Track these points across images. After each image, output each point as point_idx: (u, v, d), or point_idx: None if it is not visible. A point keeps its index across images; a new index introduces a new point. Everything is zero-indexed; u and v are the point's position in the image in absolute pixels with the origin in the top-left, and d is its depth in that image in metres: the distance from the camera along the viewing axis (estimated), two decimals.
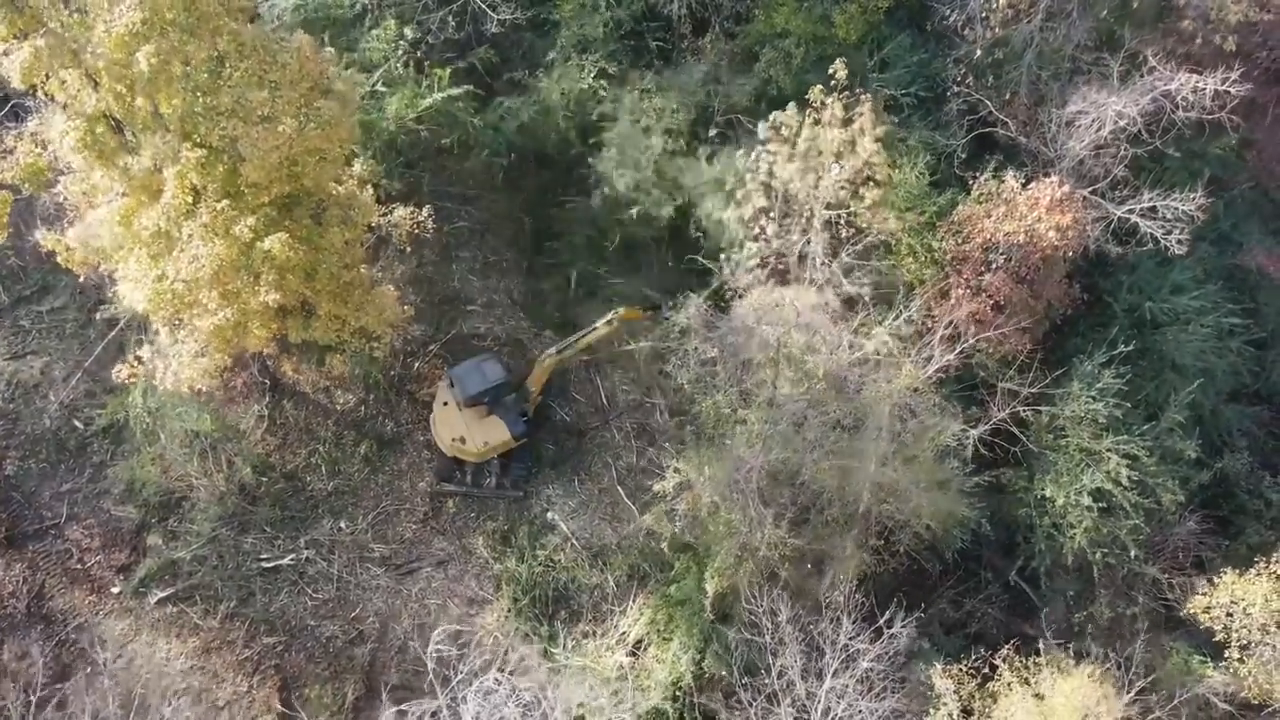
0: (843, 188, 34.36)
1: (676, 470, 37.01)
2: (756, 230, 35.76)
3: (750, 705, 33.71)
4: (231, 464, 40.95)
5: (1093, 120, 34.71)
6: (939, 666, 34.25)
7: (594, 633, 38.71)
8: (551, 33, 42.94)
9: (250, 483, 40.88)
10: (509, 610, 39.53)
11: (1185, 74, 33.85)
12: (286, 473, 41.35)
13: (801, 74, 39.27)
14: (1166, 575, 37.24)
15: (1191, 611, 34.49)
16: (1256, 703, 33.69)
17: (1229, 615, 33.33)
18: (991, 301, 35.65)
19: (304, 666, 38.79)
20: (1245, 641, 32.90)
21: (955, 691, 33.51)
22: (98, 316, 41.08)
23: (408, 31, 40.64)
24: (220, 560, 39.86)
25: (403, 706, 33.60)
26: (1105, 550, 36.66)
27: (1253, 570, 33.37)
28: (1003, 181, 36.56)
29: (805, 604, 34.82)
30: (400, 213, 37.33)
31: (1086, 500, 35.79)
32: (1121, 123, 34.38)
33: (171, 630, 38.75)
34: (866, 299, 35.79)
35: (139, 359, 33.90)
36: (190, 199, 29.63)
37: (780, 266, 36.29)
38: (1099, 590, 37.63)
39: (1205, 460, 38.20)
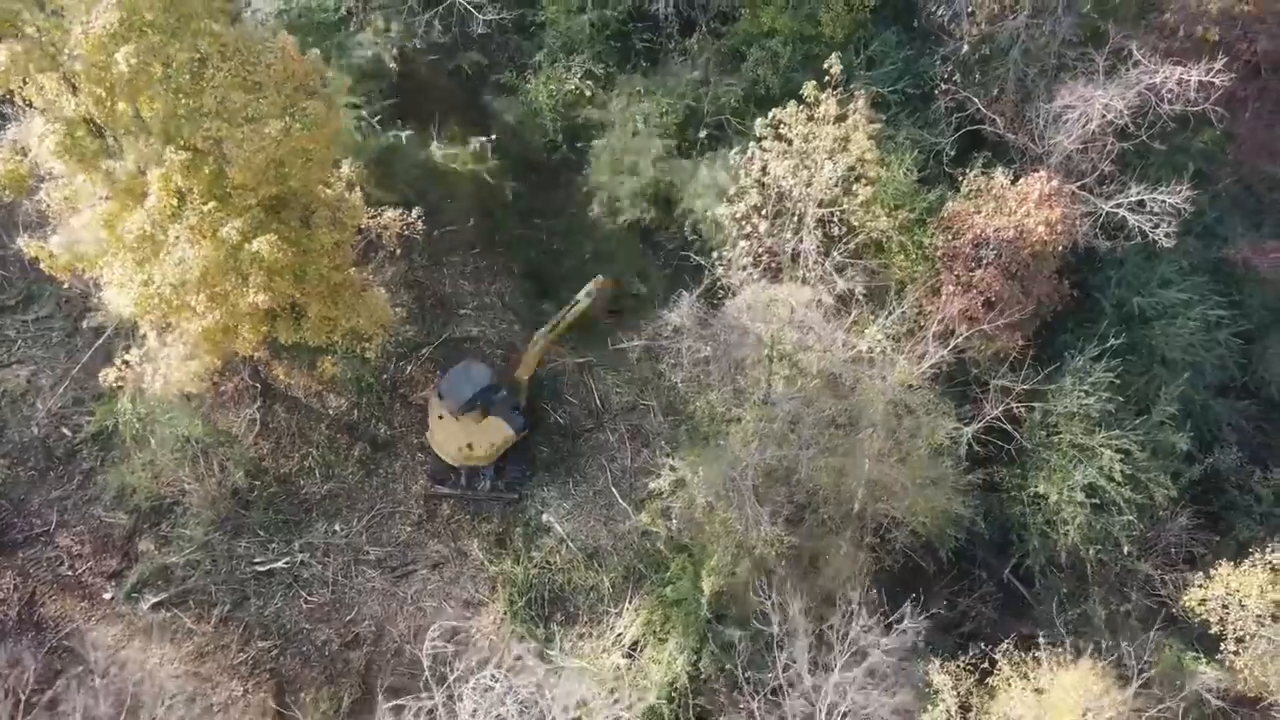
0: (835, 185, 34.36)
1: (672, 468, 36.99)
2: (749, 228, 35.74)
3: (754, 698, 33.67)
4: (224, 468, 40.78)
5: (1080, 114, 34.81)
6: (937, 662, 34.25)
7: (590, 634, 38.61)
8: (537, 34, 42.93)
9: (243, 487, 40.71)
10: (505, 612, 39.44)
11: (1170, 66, 33.94)
12: (279, 476, 41.19)
13: (789, 73, 39.37)
14: (1159, 571, 37.33)
15: (1187, 604, 34.52)
16: (1252, 696, 33.72)
17: (1225, 607, 33.36)
18: (982, 298, 35.75)
19: (299, 670, 38.63)
20: (1241, 634, 32.89)
21: (953, 687, 33.47)
22: (84, 324, 40.89)
23: (394, 26, 40.56)
24: (213, 565, 39.67)
25: (400, 701, 33.46)
26: (1098, 547, 36.80)
27: (1247, 562, 33.36)
28: (991, 178, 36.65)
29: (812, 598, 34.78)
30: (389, 215, 37.24)
31: (1080, 496, 35.91)
32: (1109, 116, 34.46)
33: (165, 636, 38.54)
34: (859, 296, 35.79)
35: (127, 363, 33.70)
36: (175, 202, 29.42)
37: (773, 264, 36.27)
38: (1092, 587, 37.73)
39: (1196, 455, 38.33)
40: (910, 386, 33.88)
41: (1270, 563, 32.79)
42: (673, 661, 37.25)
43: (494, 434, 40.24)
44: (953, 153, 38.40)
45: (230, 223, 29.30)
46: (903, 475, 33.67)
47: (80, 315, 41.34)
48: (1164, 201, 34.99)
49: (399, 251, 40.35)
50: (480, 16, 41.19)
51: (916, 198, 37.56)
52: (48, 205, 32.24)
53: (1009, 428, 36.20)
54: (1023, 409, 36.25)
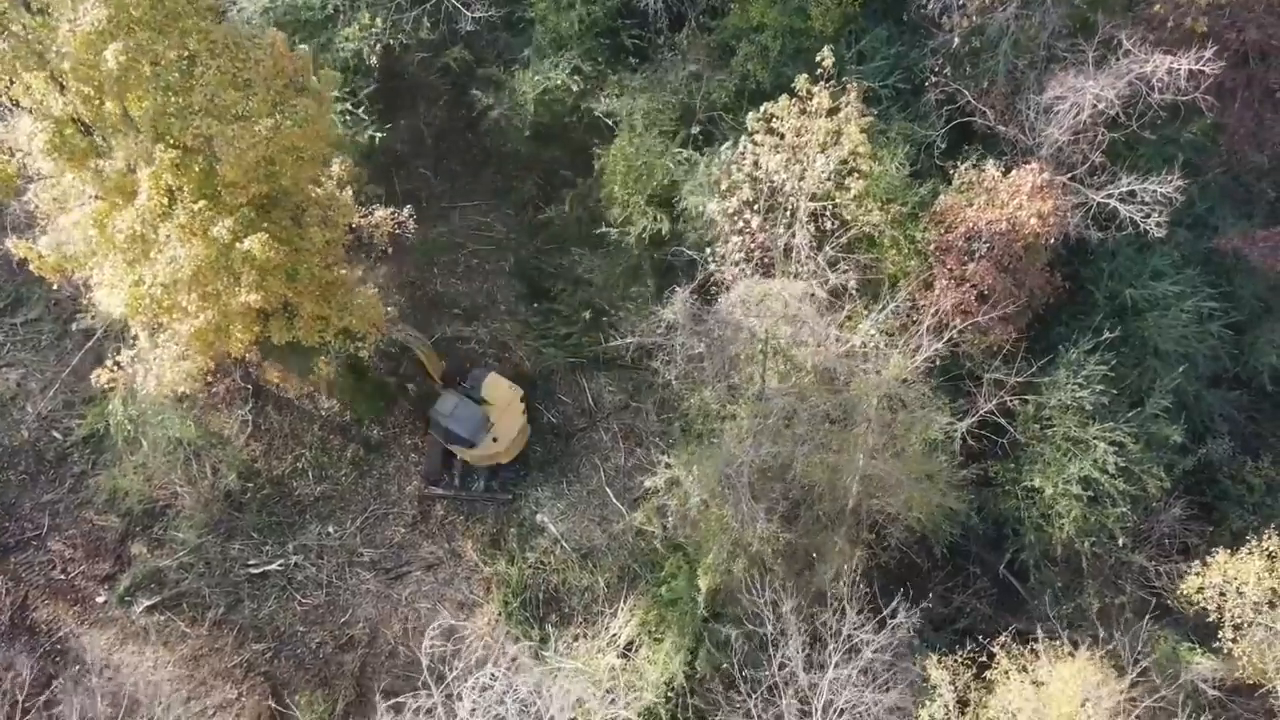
0: (828, 179, 34.33)
1: (667, 466, 36.93)
2: (741, 223, 35.69)
3: (750, 697, 33.65)
4: (216, 471, 40.79)
5: (1071, 105, 34.76)
6: (934, 658, 34.23)
7: (585, 635, 38.60)
8: (526, 30, 42.82)
9: (236, 489, 40.74)
10: (500, 613, 39.51)
11: (1160, 56, 33.96)
12: (272, 478, 41.22)
13: (779, 67, 39.21)
14: (1153, 563, 37.32)
15: (1184, 593, 34.53)
16: (1250, 683, 33.78)
17: (1222, 595, 33.35)
18: (975, 291, 35.66)
19: (294, 673, 38.73)
20: (1239, 621, 32.91)
21: (951, 682, 33.45)
22: (74, 327, 40.88)
23: (379, 22, 40.46)
24: (207, 568, 39.69)
25: (399, 699, 33.43)
26: (1093, 539, 36.75)
27: (1245, 549, 33.42)
28: (983, 170, 36.62)
29: (807, 596, 34.76)
30: (381, 213, 37.17)
31: (1074, 489, 35.83)
32: (1100, 106, 34.43)
33: (158, 639, 38.64)
34: (852, 291, 35.76)
35: (118, 364, 33.60)
36: (166, 201, 29.28)
37: (765, 260, 36.23)
38: (1087, 580, 37.69)
39: (1189, 446, 38.31)
40: (904, 381, 33.82)
41: (1268, 550, 32.82)
42: (669, 661, 37.21)
43: (498, 388, 41.01)
44: (944, 146, 38.28)
45: (221, 221, 29.15)
46: (897, 470, 33.63)
47: (70, 318, 41.33)
48: (1155, 191, 34.96)
49: (390, 251, 40.30)
50: (469, 14, 41.05)
51: (908, 191, 37.45)
52: (36, 206, 32.05)
53: (1003, 421, 36.15)
54: (1016, 402, 36.20)
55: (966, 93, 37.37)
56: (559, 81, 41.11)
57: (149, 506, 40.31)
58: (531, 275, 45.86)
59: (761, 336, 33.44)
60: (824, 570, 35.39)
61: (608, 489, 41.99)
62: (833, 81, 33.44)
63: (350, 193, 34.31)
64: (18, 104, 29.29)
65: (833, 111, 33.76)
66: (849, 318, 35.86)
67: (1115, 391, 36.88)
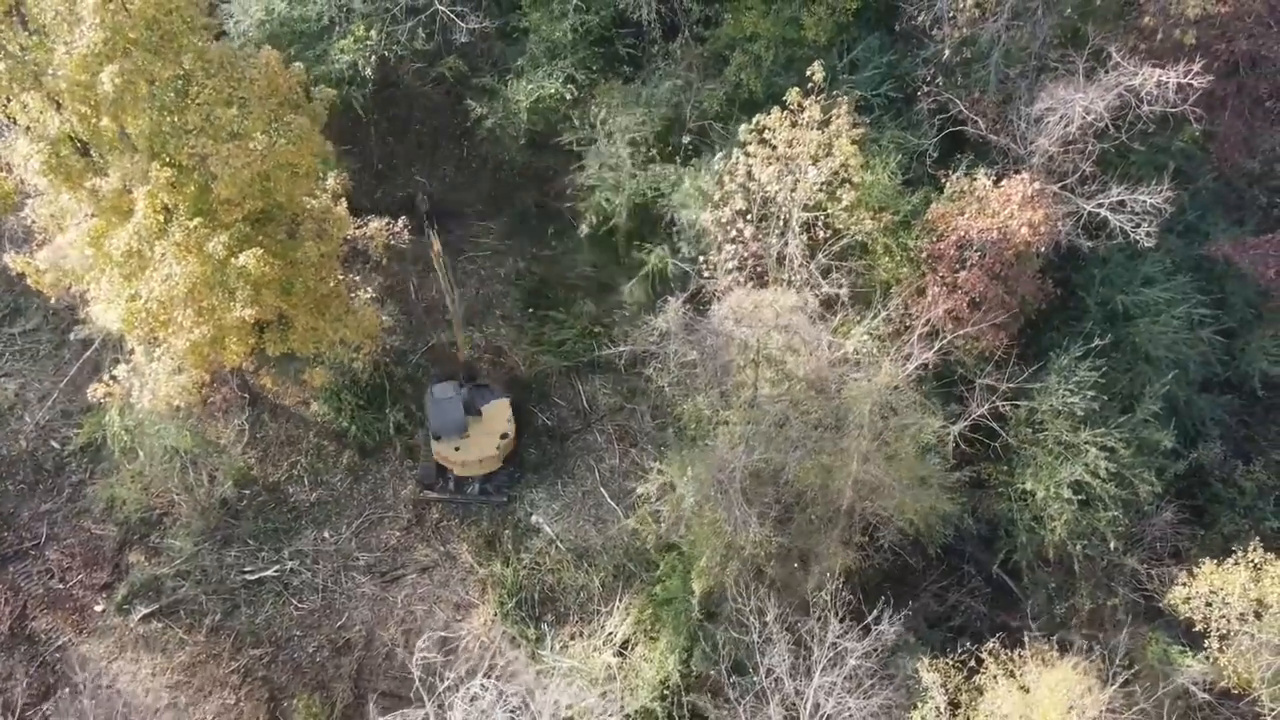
0: (820, 189, 34.51)
1: (660, 471, 37.11)
2: (734, 233, 35.87)
3: (739, 703, 33.88)
4: (213, 478, 40.93)
5: (1061, 117, 34.92)
6: (925, 660, 34.45)
7: (581, 634, 38.74)
8: (520, 40, 42.92)
9: (232, 497, 40.88)
10: (495, 614, 39.62)
11: (1149, 68, 34.09)
12: (268, 485, 41.34)
13: (771, 77, 39.40)
14: (1145, 566, 37.50)
15: (1171, 602, 34.71)
16: (1236, 692, 34.01)
17: (1208, 605, 33.51)
18: (967, 298, 35.83)
19: (290, 678, 38.81)
20: (1224, 631, 33.11)
21: (942, 685, 33.69)
22: (71, 337, 41.00)
23: (374, 34, 40.55)
24: (203, 575, 39.81)
25: (391, 716, 33.64)
26: (1085, 542, 36.96)
27: (1230, 560, 33.62)
28: (975, 179, 36.79)
29: (793, 602, 34.99)
30: (375, 225, 37.28)
31: (1066, 493, 36.03)
32: (1089, 117, 34.59)
33: (156, 646, 38.72)
34: (844, 299, 35.95)
35: (115, 378, 33.79)
36: (162, 218, 29.49)
37: (758, 269, 36.41)
38: (1080, 582, 37.88)
39: (1180, 450, 38.46)
40: (896, 387, 34.00)
41: (1253, 561, 33.01)
42: (664, 660, 37.39)
43: (500, 415, 41.15)
44: (936, 155, 38.42)
45: (216, 238, 29.35)
46: (890, 474, 33.76)
47: (67, 328, 41.44)
48: (1144, 201, 35.16)
49: (385, 261, 40.46)
50: (463, 24, 41.14)
51: (900, 200, 37.64)
52: (33, 221, 32.27)
53: (995, 426, 36.36)
54: (1009, 407, 36.39)
55: (958, 102, 37.54)
56: (552, 90, 41.28)
57: (146, 515, 40.43)
58: (526, 282, 46.07)
59: (754, 345, 33.62)
60: (813, 575, 35.57)
61: (603, 490, 42.16)
62: (823, 94, 33.60)
63: (345, 206, 34.45)
64: (14, 122, 29.45)
65: (824, 124, 33.93)
66: (842, 325, 36.04)
67: (1106, 397, 37.10)
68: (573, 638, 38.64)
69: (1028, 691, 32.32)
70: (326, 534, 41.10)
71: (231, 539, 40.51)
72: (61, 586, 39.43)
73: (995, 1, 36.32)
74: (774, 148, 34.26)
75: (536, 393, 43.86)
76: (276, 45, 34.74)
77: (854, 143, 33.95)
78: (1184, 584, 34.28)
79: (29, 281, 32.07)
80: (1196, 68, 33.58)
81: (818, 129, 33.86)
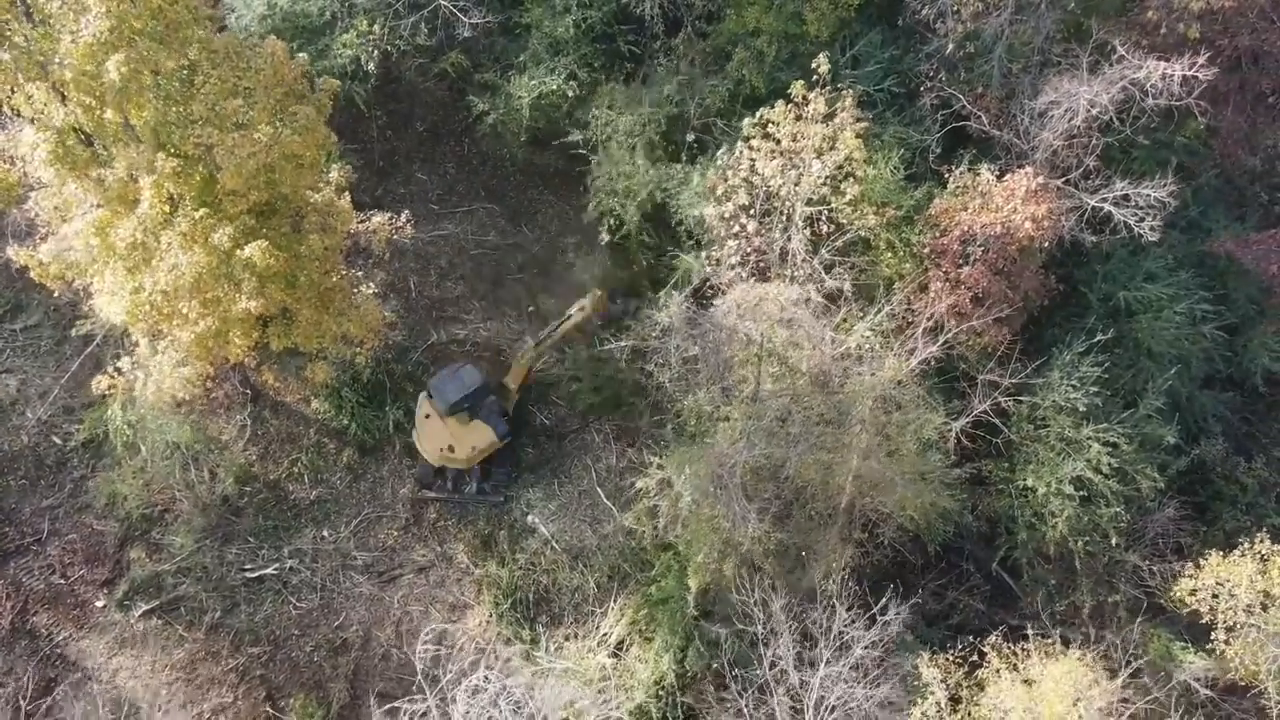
0: (823, 184, 34.50)
1: (660, 467, 37.07)
2: (737, 228, 35.85)
3: (741, 696, 33.80)
4: (214, 475, 40.84)
5: (1065, 110, 34.96)
6: (925, 656, 34.39)
7: (576, 635, 38.72)
8: (522, 36, 42.93)
9: (233, 493, 40.79)
10: (490, 615, 39.53)
11: (1154, 61, 34.15)
12: (269, 482, 41.26)
13: (774, 73, 39.47)
14: (1147, 562, 37.44)
15: (1177, 595, 34.63)
16: (1244, 684, 33.97)
17: (1215, 597, 33.47)
18: (970, 294, 35.81)
19: (289, 676, 38.74)
20: (1231, 623, 33.06)
21: (942, 680, 33.62)
22: (73, 333, 40.73)
23: (377, 28, 40.52)
24: (204, 572, 39.72)
25: (394, 704, 33.55)
26: (1086, 539, 36.88)
27: (1237, 551, 33.60)
28: (978, 174, 36.80)
29: (797, 594, 34.92)
30: (378, 219, 37.22)
31: (1068, 489, 35.99)
32: (1094, 111, 34.62)
33: (156, 643, 38.66)
34: (847, 294, 35.93)
35: (118, 370, 33.70)
36: (167, 209, 29.42)
37: (761, 264, 36.39)
38: (1081, 579, 37.78)
39: (1182, 447, 38.46)
40: (899, 382, 33.98)
41: (1259, 553, 32.97)
42: (659, 660, 37.31)
43: (476, 438, 40.28)
44: (939, 150, 38.46)
45: (222, 229, 29.28)
46: (891, 470, 33.72)
47: (69, 324, 41.26)
48: (1148, 196, 35.19)
49: (388, 256, 40.39)
50: (466, 20, 41.14)
51: (903, 195, 37.64)
52: (37, 214, 32.21)
53: (997, 422, 36.33)
54: (1011, 403, 36.38)
55: (961, 97, 37.56)
56: (554, 87, 41.27)
57: (147, 511, 40.32)
58: (527, 279, 46.00)
59: (757, 340, 33.58)
60: (815, 568, 35.52)
61: (599, 489, 42.07)
62: (828, 87, 33.61)
63: (349, 199, 34.42)
64: (19, 114, 29.37)
65: (828, 117, 33.93)
66: (844, 320, 36.02)
67: (1109, 393, 37.14)
68: (567, 639, 38.62)
69: (1031, 685, 32.25)
70: (326, 532, 41.02)
71: (232, 536, 40.42)
72: (63, 582, 39.33)
73: None
74: (778, 142, 34.24)
75: (534, 391, 43.74)
76: (278, 39, 34.66)
77: (858, 136, 33.95)
78: (1190, 576, 34.23)
79: (32, 274, 31.92)
80: (1202, 60, 33.60)
81: (822, 122, 33.83)
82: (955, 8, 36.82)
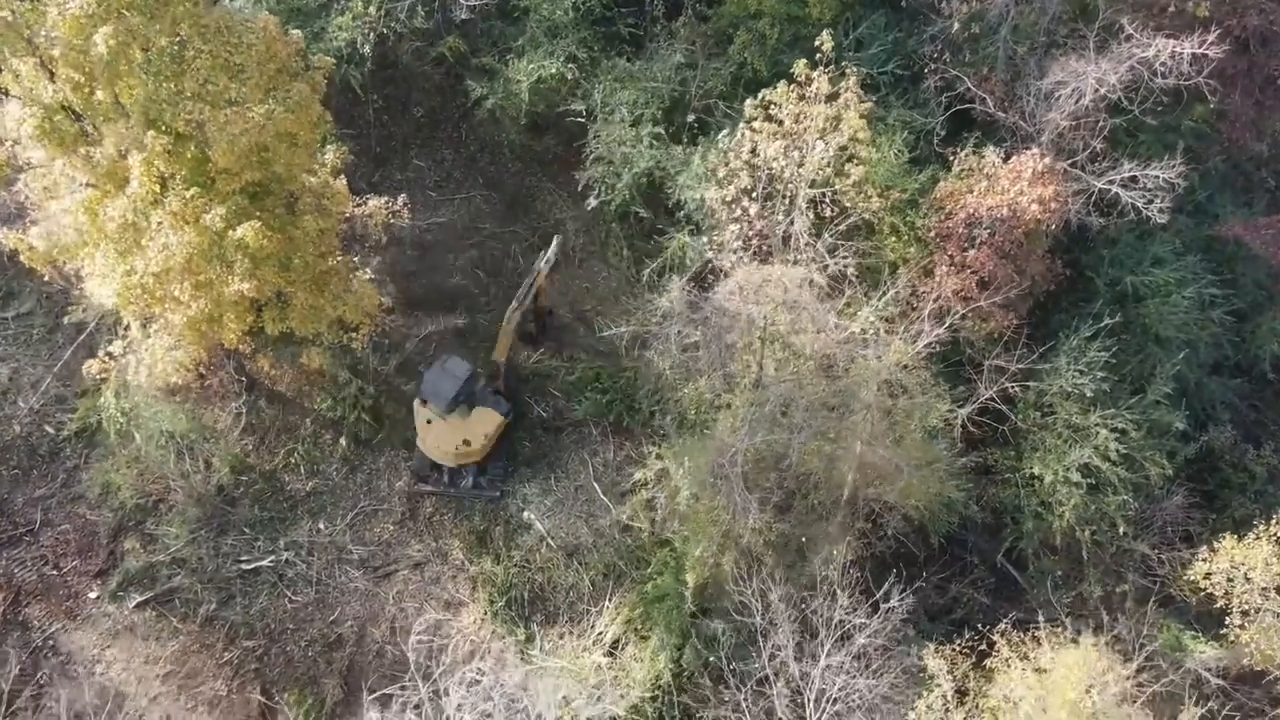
0: (827, 166, 34.10)
1: (658, 457, 36.62)
2: (739, 211, 35.44)
3: (740, 690, 33.34)
4: (209, 465, 40.42)
5: (1073, 90, 34.61)
6: (931, 647, 33.94)
7: (570, 633, 38.22)
8: (521, 19, 42.58)
9: (228, 484, 40.37)
10: (485, 613, 39.10)
11: (1163, 39, 33.82)
12: (265, 473, 40.84)
13: (776, 55, 39.15)
14: (1155, 551, 37.17)
15: (1191, 579, 34.28)
16: (1258, 669, 33.60)
17: (1230, 581, 33.09)
18: (976, 277, 35.54)
19: (282, 671, 38.33)
20: (1247, 607, 32.66)
21: (949, 672, 33.16)
22: (65, 321, 40.37)
23: (373, 10, 40.14)
24: (199, 563, 39.30)
25: (386, 691, 33.11)
26: (1094, 528, 36.61)
27: (1252, 534, 33.21)
28: (983, 157, 36.46)
29: (798, 586, 34.48)
30: (374, 203, 36.82)
31: (1075, 476, 35.67)
32: (1102, 90, 34.28)
33: (149, 635, 38.22)
34: (852, 277, 35.53)
35: (111, 355, 33.32)
36: (158, 187, 28.94)
37: (764, 247, 35.99)
38: (1088, 569, 37.50)
39: (1191, 434, 38.19)
40: (905, 367, 33.59)
41: (1276, 535, 32.57)
42: (655, 658, 36.85)
43: (485, 424, 39.92)
44: (943, 132, 38.16)
45: (214, 209, 28.82)
46: (896, 458, 33.30)
47: (61, 311, 40.86)
48: (1157, 177, 34.84)
49: (385, 242, 39.99)
50: (463, 2, 40.82)
51: (908, 178, 37.32)
52: (26, 196, 31.74)
53: (1003, 408, 35.98)
54: (1017, 389, 36.04)
55: (966, 79, 37.25)
56: (553, 70, 40.87)
57: (141, 501, 39.88)
58: (525, 267, 45.50)
59: (760, 324, 33.15)
60: (816, 558, 35.09)
61: (595, 484, 41.60)
62: (831, 67, 33.20)
63: (344, 181, 33.99)
64: (7, 92, 28.91)
65: (832, 97, 33.51)
66: (848, 304, 35.62)
67: (1116, 378, 36.81)
68: (562, 637, 38.13)
69: (1042, 673, 31.81)
70: (322, 525, 40.65)
71: (227, 527, 40.01)
72: (55, 573, 38.93)
73: None
74: (780, 123, 33.82)
75: (531, 385, 43.33)
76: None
77: (862, 116, 33.55)
78: (1204, 560, 33.85)
79: (22, 258, 31.48)
80: (1212, 37, 33.25)
81: (825, 103, 33.41)
82: None
